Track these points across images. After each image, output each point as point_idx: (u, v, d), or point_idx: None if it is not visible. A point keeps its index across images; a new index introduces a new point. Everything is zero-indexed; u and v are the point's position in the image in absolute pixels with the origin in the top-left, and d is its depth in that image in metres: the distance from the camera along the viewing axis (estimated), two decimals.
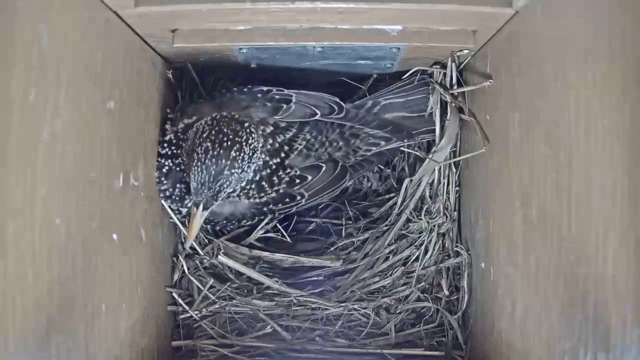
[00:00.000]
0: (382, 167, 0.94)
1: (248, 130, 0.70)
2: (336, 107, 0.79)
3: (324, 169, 0.79)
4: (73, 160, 0.49)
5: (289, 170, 0.78)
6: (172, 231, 0.81)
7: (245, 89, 0.77)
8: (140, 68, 0.67)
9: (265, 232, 0.83)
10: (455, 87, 0.77)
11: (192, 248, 0.82)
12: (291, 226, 0.88)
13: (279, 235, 0.84)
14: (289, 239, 0.84)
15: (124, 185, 0.62)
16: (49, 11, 0.44)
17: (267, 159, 0.76)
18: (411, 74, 0.81)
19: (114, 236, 0.59)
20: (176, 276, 0.80)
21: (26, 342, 0.42)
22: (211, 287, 0.80)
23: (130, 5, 0.56)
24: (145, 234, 0.69)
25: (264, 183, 0.76)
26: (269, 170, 0.76)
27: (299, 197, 0.79)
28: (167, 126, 0.75)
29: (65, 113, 0.47)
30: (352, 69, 0.82)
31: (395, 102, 0.82)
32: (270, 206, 0.79)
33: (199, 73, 0.83)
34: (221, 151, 0.67)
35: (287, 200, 0.78)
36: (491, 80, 0.67)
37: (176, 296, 0.79)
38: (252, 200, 0.77)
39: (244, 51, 0.72)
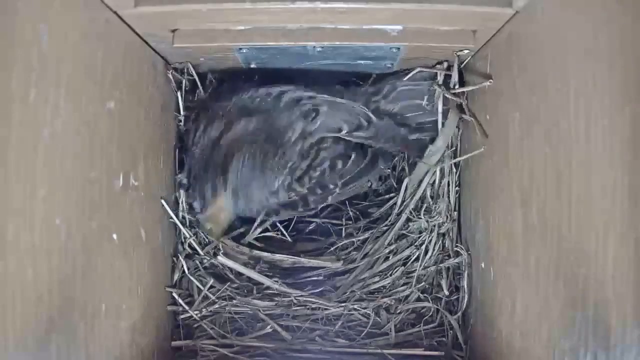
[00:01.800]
0: (382, 167, 0.94)
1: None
2: (365, 122, 0.79)
3: (353, 157, 0.80)
4: (73, 160, 0.49)
5: (318, 170, 0.79)
6: (172, 231, 0.81)
7: (272, 91, 0.78)
8: (140, 68, 0.67)
9: (264, 231, 0.83)
10: (455, 87, 0.77)
11: (192, 248, 0.82)
12: (291, 226, 0.88)
13: (278, 234, 0.84)
14: (289, 239, 0.84)
15: (124, 185, 0.62)
16: (49, 11, 0.44)
17: (297, 161, 0.78)
18: (412, 75, 0.80)
19: (114, 236, 0.59)
20: (176, 276, 0.80)
21: (26, 342, 0.42)
22: (211, 287, 0.80)
23: (130, 5, 0.56)
24: (145, 234, 0.69)
25: (294, 185, 0.78)
26: (299, 173, 0.78)
27: (332, 187, 0.80)
28: (200, 132, 0.77)
29: (65, 113, 0.47)
30: (352, 69, 0.81)
31: (410, 88, 0.81)
32: (305, 198, 0.80)
33: (199, 73, 0.83)
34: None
35: (319, 191, 0.80)
36: (491, 80, 0.67)
37: (176, 296, 0.79)
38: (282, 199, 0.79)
39: (244, 51, 0.72)
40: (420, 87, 0.81)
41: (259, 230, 0.83)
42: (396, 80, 0.81)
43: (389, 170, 0.94)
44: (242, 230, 0.84)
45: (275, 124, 0.76)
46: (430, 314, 0.81)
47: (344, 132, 0.79)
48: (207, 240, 0.82)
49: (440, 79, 0.79)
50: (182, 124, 0.81)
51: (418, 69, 0.79)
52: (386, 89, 0.82)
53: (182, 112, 0.81)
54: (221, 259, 0.80)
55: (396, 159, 0.93)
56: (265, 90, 0.78)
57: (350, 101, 0.79)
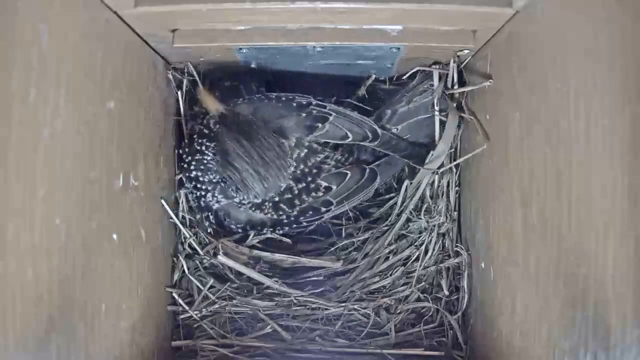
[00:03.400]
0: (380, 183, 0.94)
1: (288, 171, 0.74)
2: (370, 134, 0.78)
3: (349, 175, 0.79)
4: (73, 160, 0.49)
5: (314, 193, 0.78)
6: (172, 231, 0.81)
7: (283, 97, 0.77)
8: (140, 68, 0.67)
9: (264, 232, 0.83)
10: (455, 87, 0.77)
11: (192, 248, 0.82)
12: None
13: (279, 234, 0.84)
14: (289, 240, 0.84)
15: (124, 185, 0.62)
16: (49, 11, 0.44)
17: (292, 184, 0.77)
18: (412, 75, 0.80)
19: (114, 236, 0.59)
20: (176, 276, 0.81)
21: (26, 342, 0.43)
22: (211, 287, 0.80)
23: (130, 5, 0.56)
24: (145, 234, 0.69)
25: (282, 205, 0.77)
26: (289, 195, 0.77)
27: (323, 210, 0.79)
28: (207, 121, 0.75)
29: (65, 113, 0.47)
30: (352, 69, 0.82)
31: (410, 108, 0.81)
32: (292, 219, 0.79)
33: (199, 73, 0.83)
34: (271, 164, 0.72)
35: (311, 213, 0.79)
36: (491, 80, 0.67)
37: (176, 296, 0.79)
38: (268, 215, 0.79)
39: (244, 51, 0.72)
40: (422, 103, 0.81)
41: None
42: (396, 105, 0.81)
43: None
44: (240, 232, 0.83)
45: (281, 126, 0.75)
46: (430, 314, 0.81)
47: (348, 140, 0.78)
48: (207, 240, 0.82)
49: (437, 79, 0.79)
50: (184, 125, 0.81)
51: (417, 69, 0.79)
52: (388, 114, 0.81)
53: (182, 112, 0.81)
54: (221, 258, 0.80)
55: None
56: (275, 94, 0.78)
57: (358, 114, 0.79)
